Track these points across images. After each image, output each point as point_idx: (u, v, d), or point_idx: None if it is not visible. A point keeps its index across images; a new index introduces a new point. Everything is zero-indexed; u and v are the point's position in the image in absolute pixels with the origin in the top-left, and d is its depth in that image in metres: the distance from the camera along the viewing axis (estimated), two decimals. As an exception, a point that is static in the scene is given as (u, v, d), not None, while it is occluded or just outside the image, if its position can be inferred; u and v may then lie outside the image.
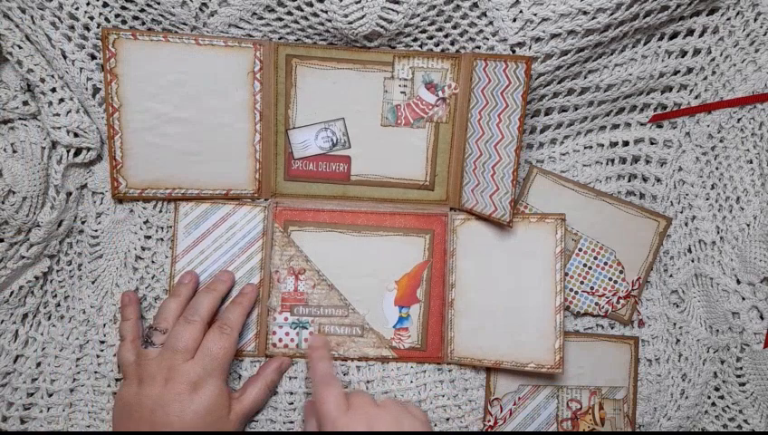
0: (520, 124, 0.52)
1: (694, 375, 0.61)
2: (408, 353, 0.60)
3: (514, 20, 0.54)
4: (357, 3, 0.52)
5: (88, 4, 0.53)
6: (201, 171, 0.58)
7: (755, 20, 0.56)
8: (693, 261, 0.61)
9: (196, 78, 0.55)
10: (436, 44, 0.57)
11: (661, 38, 0.58)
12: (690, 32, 0.57)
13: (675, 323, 0.62)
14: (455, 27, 0.55)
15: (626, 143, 0.62)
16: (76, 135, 0.55)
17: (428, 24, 0.55)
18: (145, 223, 0.59)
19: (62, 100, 0.54)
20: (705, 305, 0.60)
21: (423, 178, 0.60)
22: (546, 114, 0.61)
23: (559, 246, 0.58)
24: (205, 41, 0.54)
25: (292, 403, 0.59)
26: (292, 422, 0.58)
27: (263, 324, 0.58)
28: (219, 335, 0.53)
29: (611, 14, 0.52)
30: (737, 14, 0.56)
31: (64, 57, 0.53)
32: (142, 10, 0.53)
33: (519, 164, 0.54)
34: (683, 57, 0.58)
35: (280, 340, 0.59)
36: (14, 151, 0.53)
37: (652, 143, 0.62)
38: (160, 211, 0.59)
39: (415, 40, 0.56)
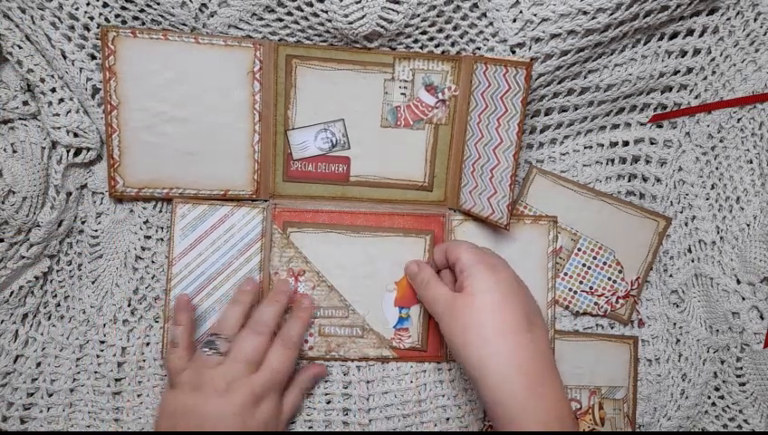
0: (519, 129, 0.52)
1: (694, 375, 0.61)
2: (408, 353, 0.60)
3: (514, 20, 0.53)
4: (357, 3, 0.52)
5: (88, 4, 0.53)
6: (199, 171, 0.58)
7: (755, 20, 0.55)
8: (693, 261, 0.61)
9: (196, 77, 0.55)
10: (437, 45, 0.57)
11: (661, 38, 0.57)
12: (690, 32, 0.57)
13: (675, 323, 0.62)
14: (455, 28, 0.55)
15: (626, 143, 0.62)
16: (76, 135, 0.55)
17: (428, 25, 0.55)
18: (145, 223, 0.59)
19: (61, 100, 0.54)
20: (705, 305, 0.60)
21: (422, 179, 0.60)
22: (546, 114, 0.61)
23: (551, 246, 0.60)
24: (204, 40, 0.54)
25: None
26: (293, 423, 0.58)
27: (262, 325, 0.58)
28: (283, 350, 0.52)
29: (611, 14, 0.52)
30: (737, 14, 0.56)
31: (64, 57, 0.53)
32: (142, 10, 0.53)
33: (517, 168, 0.54)
34: (683, 57, 0.58)
35: (280, 340, 0.59)
36: (14, 151, 0.53)
37: (652, 143, 0.62)
38: (160, 211, 0.59)
39: (415, 41, 0.56)
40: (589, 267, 0.62)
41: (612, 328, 0.62)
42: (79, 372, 0.58)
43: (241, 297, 0.55)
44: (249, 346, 0.51)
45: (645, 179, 0.62)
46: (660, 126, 0.62)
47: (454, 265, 0.53)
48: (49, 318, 0.58)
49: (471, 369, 0.47)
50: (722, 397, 0.60)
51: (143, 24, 0.54)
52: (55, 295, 0.58)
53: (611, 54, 0.57)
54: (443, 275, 0.56)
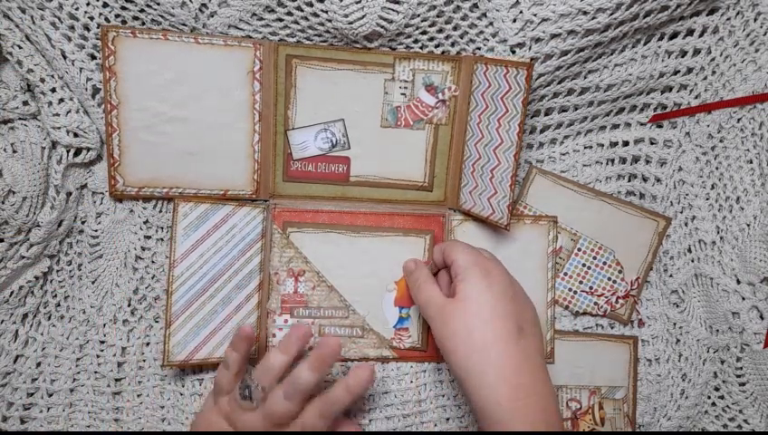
0: (519, 130, 0.52)
1: (694, 375, 0.61)
2: (408, 353, 0.60)
3: (514, 21, 0.54)
4: (357, 3, 0.52)
5: (88, 4, 0.53)
6: (199, 171, 0.58)
7: (755, 20, 0.55)
8: (693, 261, 0.61)
9: (196, 77, 0.55)
10: (437, 45, 0.57)
11: (661, 38, 0.58)
12: (690, 32, 0.57)
13: (675, 323, 0.62)
14: (455, 28, 0.55)
15: (626, 143, 0.62)
16: (76, 135, 0.55)
17: (429, 25, 0.55)
18: (145, 223, 0.58)
19: (61, 100, 0.54)
20: (705, 305, 0.60)
21: (422, 179, 0.60)
22: (546, 114, 0.61)
23: (551, 246, 0.60)
24: (204, 39, 0.54)
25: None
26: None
27: (263, 327, 0.58)
28: (318, 419, 0.50)
29: (611, 14, 0.52)
30: (737, 14, 0.56)
31: (64, 57, 0.53)
32: (142, 10, 0.53)
33: (518, 169, 0.54)
34: (683, 57, 0.58)
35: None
36: (14, 151, 0.53)
37: (652, 143, 0.62)
38: (160, 211, 0.59)
39: (415, 41, 0.56)
40: (589, 267, 0.62)
41: (612, 328, 0.62)
42: (79, 372, 0.58)
43: (288, 347, 0.50)
44: (280, 411, 0.49)
45: (645, 179, 0.62)
46: (660, 126, 0.62)
47: (450, 266, 0.53)
48: (49, 318, 0.58)
49: (457, 373, 0.48)
50: (722, 397, 0.60)
51: (143, 24, 0.54)
52: (55, 295, 0.58)
53: (611, 54, 0.57)
54: (440, 276, 0.56)
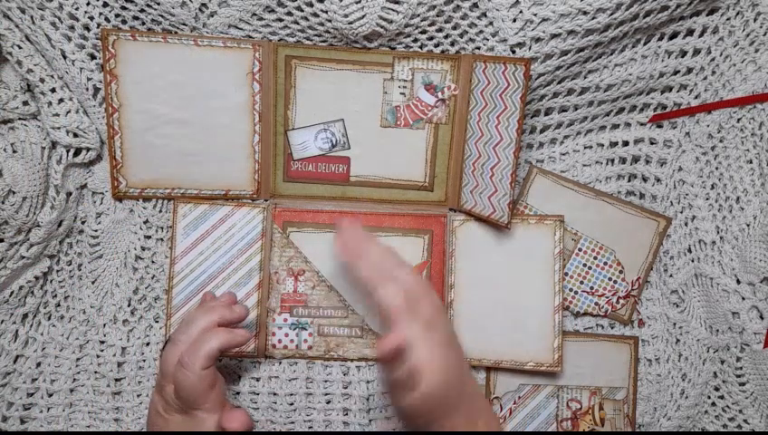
0: (518, 126, 0.52)
1: (694, 375, 0.61)
2: (407, 353, 0.60)
3: (514, 20, 0.54)
4: (357, 3, 0.52)
5: (88, 4, 0.53)
6: (200, 172, 0.58)
7: (755, 20, 0.55)
8: (693, 261, 0.61)
9: (196, 79, 0.55)
10: (436, 45, 0.57)
11: (661, 38, 0.57)
12: (690, 32, 0.57)
13: (675, 323, 0.62)
14: (455, 28, 0.55)
15: (626, 143, 0.62)
16: (76, 135, 0.55)
17: (428, 25, 0.55)
18: (145, 223, 0.59)
19: (61, 100, 0.54)
20: (705, 305, 0.60)
21: (422, 179, 0.60)
22: (546, 114, 0.61)
23: (558, 247, 0.59)
24: (204, 42, 0.54)
25: (293, 404, 0.59)
26: (292, 423, 0.58)
27: (262, 326, 0.58)
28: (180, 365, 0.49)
29: (611, 14, 0.52)
30: (737, 14, 0.56)
31: (64, 57, 0.53)
32: (142, 10, 0.53)
33: (517, 166, 0.54)
34: (683, 57, 0.58)
35: (279, 341, 0.59)
36: (14, 151, 0.53)
37: (652, 143, 0.62)
38: (160, 211, 0.59)
39: (415, 41, 0.56)
40: (589, 267, 0.62)
41: (612, 328, 0.62)
42: (79, 372, 0.58)
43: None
44: (167, 360, 0.49)
45: (645, 179, 0.62)
46: (660, 126, 0.61)
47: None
48: (49, 318, 0.58)
49: None
50: (722, 397, 0.60)
51: (143, 23, 0.54)
52: (55, 295, 0.58)
53: (611, 54, 0.57)
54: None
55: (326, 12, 0.52)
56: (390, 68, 0.57)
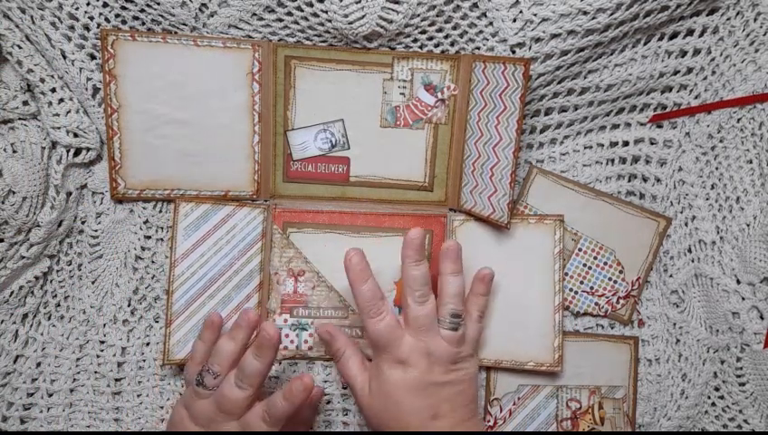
0: (518, 126, 0.52)
1: (694, 375, 0.61)
2: (407, 353, 0.60)
3: (514, 20, 0.53)
4: (357, 3, 0.52)
5: (88, 4, 0.53)
6: (200, 172, 0.58)
7: (755, 20, 0.55)
8: (693, 261, 0.61)
9: (195, 79, 0.55)
10: (436, 45, 0.57)
11: (661, 38, 0.57)
12: (690, 32, 0.57)
13: (675, 323, 0.62)
14: (454, 28, 0.55)
15: (626, 143, 0.62)
16: (76, 135, 0.55)
17: (428, 25, 0.55)
18: (145, 223, 0.59)
19: (61, 100, 0.54)
20: (705, 305, 0.60)
21: (422, 179, 0.60)
22: (546, 114, 0.61)
23: (558, 246, 0.59)
24: (203, 42, 0.54)
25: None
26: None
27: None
28: (258, 420, 0.49)
29: (611, 14, 0.52)
30: (737, 14, 0.56)
31: (64, 57, 0.53)
32: (142, 10, 0.53)
33: (517, 166, 0.54)
34: (683, 57, 0.58)
35: (279, 341, 0.59)
36: (14, 151, 0.53)
37: (652, 143, 0.62)
38: (160, 211, 0.59)
39: (414, 41, 0.56)
40: (589, 267, 0.62)
41: (612, 328, 0.62)
42: (79, 372, 0.58)
43: (236, 333, 0.51)
44: (231, 398, 0.49)
45: (645, 179, 0.62)
46: (660, 126, 0.61)
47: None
48: (49, 318, 0.58)
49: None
50: (722, 397, 0.60)
51: (143, 23, 0.54)
52: (55, 295, 0.58)
53: (611, 54, 0.57)
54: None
55: (326, 12, 0.52)
56: (390, 68, 0.57)
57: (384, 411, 0.53)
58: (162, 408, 0.58)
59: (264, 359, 0.49)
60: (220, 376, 0.50)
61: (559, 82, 0.58)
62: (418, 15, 0.53)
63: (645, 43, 0.57)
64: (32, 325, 0.58)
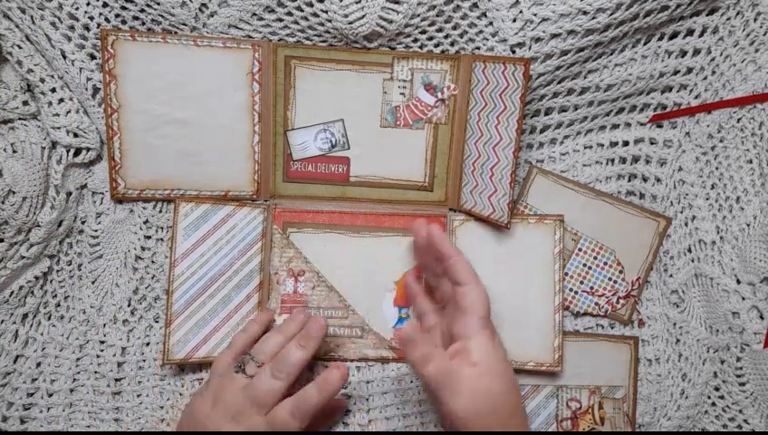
0: (518, 126, 0.52)
1: (694, 375, 0.61)
2: (407, 353, 0.60)
3: (514, 20, 0.54)
4: (357, 3, 0.52)
5: (88, 4, 0.53)
6: (200, 172, 0.58)
7: (755, 20, 0.55)
8: (693, 261, 0.61)
9: (195, 79, 0.55)
10: (436, 45, 0.57)
11: (661, 38, 0.57)
12: (690, 32, 0.57)
13: (675, 323, 0.62)
14: (455, 28, 0.55)
15: (626, 143, 0.62)
16: (76, 135, 0.55)
17: (428, 25, 0.55)
18: (145, 223, 0.59)
19: (61, 100, 0.54)
20: (705, 305, 0.60)
21: (422, 179, 0.60)
22: (546, 114, 0.61)
23: (558, 246, 0.59)
24: (203, 42, 0.54)
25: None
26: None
27: (262, 325, 0.58)
28: (288, 415, 0.48)
29: (611, 14, 0.52)
30: (737, 14, 0.56)
31: (64, 57, 0.53)
32: (142, 10, 0.53)
33: (517, 166, 0.54)
34: (683, 57, 0.58)
35: (279, 340, 0.59)
36: (14, 151, 0.53)
37: (652, 143, 0.62)
38: (160, 211, 0.59)
39: (415, 41, 0.56)
40: (589, 267, 0.62)
41: (613, 328, 0.62)
42: (79, 372, 0.58)
43: (287, 327, 0.53)
44: (264, 389, 0.49)
45: (645, 179, 0.62)
46: (660, 126, 0.61)
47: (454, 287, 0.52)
48: (49, 318, 0.58)
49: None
50: (722, 397, 0.60)
51: (143, 23, 0.54)
52: (55, 295, 0.58)
53: (611, 54, 0.57)
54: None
55: (326, 12, 0.52)
56: (390, 68, 0.57)
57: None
58: (162, 408, 0.58)
59: (308, 349, 0.50)
60: (261, 367, 0.50)
61: (559, 82, 0.58)
62: (418, 15, 0.53)
63: (645, 43, 0.57)
64: (32, 325, 0.58)
